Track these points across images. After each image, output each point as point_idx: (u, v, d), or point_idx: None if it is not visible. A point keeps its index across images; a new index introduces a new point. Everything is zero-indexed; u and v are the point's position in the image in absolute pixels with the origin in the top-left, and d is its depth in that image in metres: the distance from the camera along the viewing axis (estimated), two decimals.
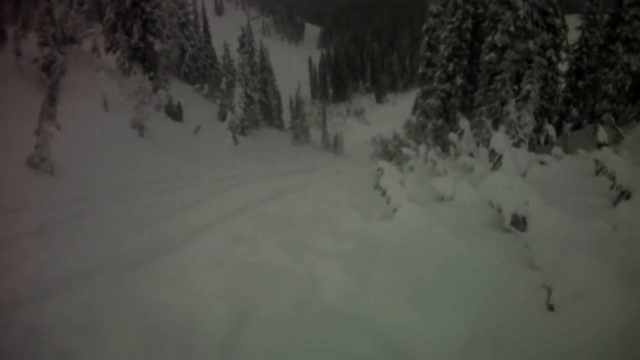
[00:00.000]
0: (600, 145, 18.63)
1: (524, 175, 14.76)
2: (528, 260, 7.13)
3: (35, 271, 7.38)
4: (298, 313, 6.31)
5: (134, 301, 6.65)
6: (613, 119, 29.72)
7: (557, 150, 19.44)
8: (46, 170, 12.56)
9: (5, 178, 11.47)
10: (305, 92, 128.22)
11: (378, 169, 17.93)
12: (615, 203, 10.37)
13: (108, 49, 34.56)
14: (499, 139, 16.59)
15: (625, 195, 10.40)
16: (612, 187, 11.15)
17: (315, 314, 6.28)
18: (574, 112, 36.05)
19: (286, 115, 72.09)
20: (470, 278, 6.90)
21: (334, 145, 72.36)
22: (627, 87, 32.60)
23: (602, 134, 19.35)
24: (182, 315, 6.33)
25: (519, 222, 8.99)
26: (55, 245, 8.76)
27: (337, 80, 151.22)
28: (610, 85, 32.78)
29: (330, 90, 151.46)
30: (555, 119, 35.33)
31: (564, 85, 37.34)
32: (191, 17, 69.61)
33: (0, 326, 5.65)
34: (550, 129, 26.96)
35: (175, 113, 32.23)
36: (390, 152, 39.94)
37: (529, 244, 7.51)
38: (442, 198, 12.61)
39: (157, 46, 33.76)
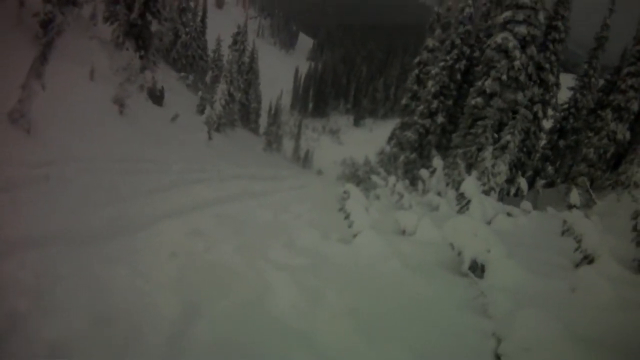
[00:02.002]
0: (570, 207, 18.83)
1: (489, 223, 14.96)
2: (481, 308, 7.20)
3: None
4: (245, 318, 6.36)
5: (87, 276, 6.65)
6: (588, 183, 30.03)
7: (526, 204, 19.70)
8: (23, 127, 12.53)
9: None
10: (286, 101, 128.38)
11: (345, 192, 18.09)
12: (577, 265, 10.55)
13: (106, 19, 34.50)
14: (470, 184, 16.74)
15: (588, 259, 10.50)
16: (576, 249, 11.18)
17: (262, 321, 6.34)
18: (550, 169, 36.20)
19: (263, 120, 71.97)
20: (420, 316, 6.97)
21: (304, 160, 72.65)
22: (608, 154, 33.08)
23: (575, 196, 19.59)
24: (132, 300, 6.36)
25: (477, 269, 9.05)
26: (17, 205, 8.77)
27: (319, 95, 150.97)
28: (592, 150, 33.27)
29: (311, 104, 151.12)
30: (530, 173, 35.45)
31: (544, 141, 37.73)
32: (191, 4, 69.58)
33: None
34: (522, 182, 27.27)
35: (156, 97, 32.28)
36: (359, 176, 40.17)
37: (485, 291, 7.59)
38: (404, 232, 12.83)
39: (154, 26, 33.72)
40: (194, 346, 5.54)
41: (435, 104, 38.37)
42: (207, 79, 48.91)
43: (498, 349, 5.86)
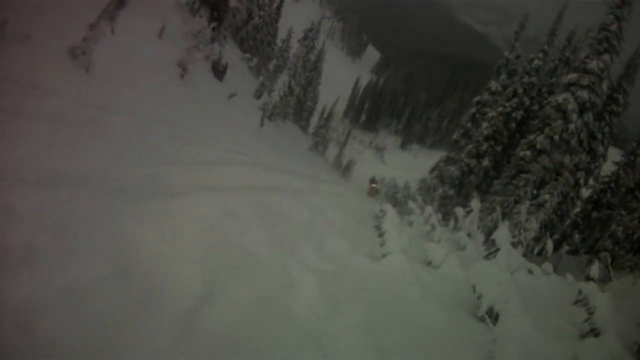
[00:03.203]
0: (589, 279, 18.57)
1: (511, 274, 14.66)
2: (489, 354, 7.18)
3: (31, 155, 7.22)
4: (263, 309, 6.26)
5: (114, 228, 6.43)
6: (609, 260, 29.59)
7: (548, 266, 19.33)
8: (83, 65, 12.33)
9: (44, 54, 11.22)
10: (340, 107, 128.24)
11: (381, 210, 17.82)
12: (582, 336, 10.52)
13: None
14: (502, 233, 16.57)
15: (594, 332, 10.46)
16: (586, 320, 11.17)
17: (278, 317, 6.26)
18: (577, 237, 35.81)
19: (313, 121, 71.83)
20: (431, 347, 6.93)
21: (345, 169, 72.12)
22: (635, 236, 32.52)
23: (595, 269, 19.23)
24: (156, 263, 6.16)
25: (492, 315, 8.99)
26: (59, 138, 8.57)
27: (373, 110, 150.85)
28: (621, 228, 32.58)
29: (363, 117, 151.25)
30: (557, 236, 35.03)
31: (578, 209, 37.26)
32: None
33: None
34: (549, 243, 26.72)
35: (219, 71, 32.09)
36: (397, 199, 39.75)
37: (496, 339, 7.51)
38: (430, 263, 12.64)
39: (232, 1, 33.57)
40: (206, 326, 5.40)
41: (484, 146, 37.98)
42: (271, 66, 48.75)
43: None
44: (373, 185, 43.20)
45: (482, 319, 8.87)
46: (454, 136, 44.70)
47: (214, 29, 24.25)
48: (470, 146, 38.75)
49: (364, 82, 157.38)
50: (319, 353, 5.75)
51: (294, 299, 6.86)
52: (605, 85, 31.28)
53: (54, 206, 6.07)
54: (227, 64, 33.17)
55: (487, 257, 16.78)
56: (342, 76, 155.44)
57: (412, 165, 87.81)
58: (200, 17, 24.54)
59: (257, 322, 5.85)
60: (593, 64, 30.37)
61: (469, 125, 42.76)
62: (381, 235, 13.36)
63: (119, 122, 11.61)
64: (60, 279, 4.86)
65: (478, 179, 38.27)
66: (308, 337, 6.00)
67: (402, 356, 6.36)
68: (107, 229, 6.32)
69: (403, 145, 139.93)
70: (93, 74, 12.58)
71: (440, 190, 39.18)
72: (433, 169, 45.67)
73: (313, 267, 8.52)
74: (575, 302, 13.90)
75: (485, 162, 37.79)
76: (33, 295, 4.54)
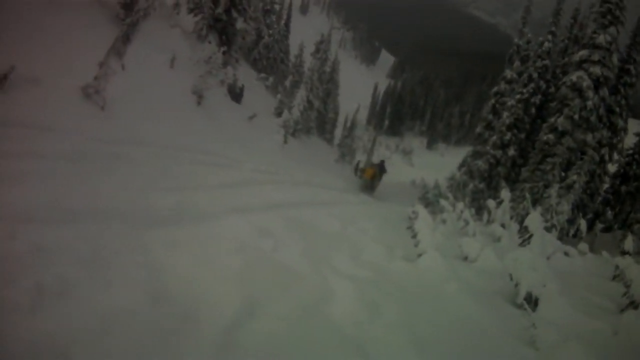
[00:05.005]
0: (624, 253, 18.35)
1: (547, 259, 14.58)
2: (530, 339, 7.20)
3: (56, 194, 7.22)
4: (303, 321, 6.23)
5: (146, 256, 6.50)
6: None
7: (584, 246, 19.19)
8: (98, 103, 12.39)
9: (56, 97, 11.25)
10: (362, 116, 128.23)
11: (413, 212, 17.78)
12: (622, 310, 10.42)
13: (190, 10, 34.46)
14: (534, 219, 16.44)
15: (633, 305, 10.45)
16: (624, 294, 11.10)
17: (319, 326, 6.22)
18: (609, 214, 35.48)
19: (338, 132, 71.81)
20: (472, 339, 6.92)
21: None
22: None
23: (629, 243, 18.97)
24: (191, 286, 6.19)
25: (531, 301, 9.02)
26: (82, 176, 8.64)
27: (396, 114, 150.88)
28: None
29: (386, 122, 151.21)
30: (590, 215, 34.71)
31: (607, 185, 36.92)
32: (276, 7, 69.84)
33: (6, 236, 5.48)
34: (582, 223, 26.55)
35: (235, 94, 32.18)
36: (428, 199, 39.54)
37: (536, 324, 7.53)
38: (466, 258, 12.66)
39: (239, 24, 33.76)
40: (247, 342, 5.37)
41: (508, 135, 37.76)
42: (287, 83, 48.92)
43: None
44: (369, 170, 35.25)
45: (520, 306, 8.89)
46: (477, 130, 44.45)
47: (224, 53, 24.33)
48: (494, 137, 38.59)
49: (382, 88, 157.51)
50: (360, 355, 5.73)
51: (332, 307, 6.85)
52: (615, 58, 31.40)
53: (84, 241, 6.13)
54: (243, 85, 33.25)
55: (521, 244, 16.81)
56: (360, 84, 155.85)
57: (440, 164, 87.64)
58: (209, 42, 24.69)
59: (296, 333, 5.82)
60: (601, 39, 30.54)
61: (490, 117, 42.53)
62: (414, 236, 13.37)
63: (141, 154, 11.68)
64: (96, 308, 4.90)
65: (506, 169, 38.13)
66: (348, 342, 5.98)
67: (440, 350, 6.34)
68: (140, 257, 6.37)
69: (429, 146, 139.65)
70: (109, 110, 12.61)
71: (470, 186, 38.93)
72: (461, 165, 45.59)
73: (349, 275, 8.48)
74: (613, 278, 14.01)
75: (511, 152, 37.64)
76: (70, 324, 4.56)
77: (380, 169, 36.09)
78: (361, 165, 39.46)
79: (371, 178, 34.24)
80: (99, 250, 6.10)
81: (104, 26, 17.20)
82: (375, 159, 67.67)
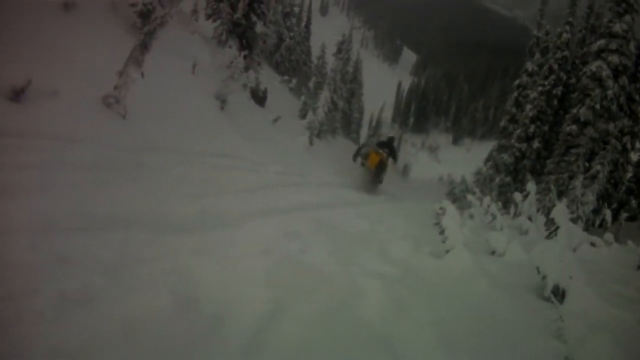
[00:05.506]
0: None
1: (574, 251, 14.48)
2: (557, 332, 7.14)
3: (79, 203, 7.25)
4: (332, 321, 6.20)
5: (172, 263, 6.52)
6: None
7: (609, 236, 19.09)
8: (119, 112, 12.36)
9: (76, 107, 11.22)
10: (387, 114, 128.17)
11: (441, 208, 17.74)
12: None
13: (209, 16, 34.51)
14: (560, 211, 16.33)
15: None
16: None
17: (348, 326, 6.19)
18: (633, 202, 35.26)
19: (363, 131, 71.84)
20: (500, 335, 6.86)
21: (402, 174, 71.77)
22: None
23: None
24: (219, 290, 6.19)
25: (559, 294, 8.90)
26: (105, 185, 8.63)
27: (420, 111, 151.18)
28: None
29: (411, 120, 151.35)
30: (614, 205, 34.47)
31: (630, 174, 36.70)
32: (296, 9, 69.86)
33: (28, 247, 5.51)
34: (607, 214, 26.47)
35: (259, 97, 32.20)
36: (455, 194, 39.42)
37: (563, 316, 7.48)
38: (494, 252, 12.64)
39: (259, 28, 33.74)
40: (276, 343, 5.36)
41: (532, 128, 37.77)
42: (311, 84, 48.94)
43: None
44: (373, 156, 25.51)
45: (548, 299, 8.82)
46: (502, 123, 44.41)
47: (245, 57, 24.25)
48: (519, 130, 38.60)
49: (405, 86, 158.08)
50: (389, 354, 5.69)
51: (361, 307, 6.80)
52: (632, 46, 31.35)
53: (108, 249, 6.18)
54: (266, 89, 33.30)
55: (548, 237, 16.66)
56: (383, 83, 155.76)
57: (466, 159, 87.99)
58: (230, 47, 24.59)
59: (325, 334, 5.79)
60: (617, 27, 30.50)
61: (513, 110, 42.46)
62: (442, 232, 13.43)
63: (165, 161, 11.72)
64: (121, 315, 4.90)
65: (531, 162, 38.13)
66: (377, 341, 5.92)
67: (469, 346, 6.27)
68: (165, 264, 6.38)
69: (455, 142, 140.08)
70: (131, 119, 12.59)
71: (497, 180, 38.91)
72: (487, 160, 45.38)
73: (378, 274, 8.41)
74: (638, 268, 14.03)
75: (536, 144, 37.62)
76: (94, 332, 4.58)
77: (390, 150, 26.93)
78: (365, 150, 27.67)
79: (376, 167, 25.05)
80: (124, 258, 6.13)
81: (121, 35, 17.17)
82: (403, 158, 67.08)
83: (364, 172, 25.34)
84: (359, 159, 26.29)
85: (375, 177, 25.21)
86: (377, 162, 25.00)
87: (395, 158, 28.04)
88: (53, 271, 5.26)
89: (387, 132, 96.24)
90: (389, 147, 27.10)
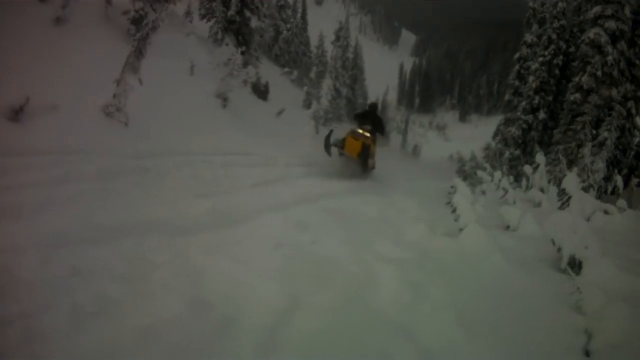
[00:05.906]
0: None
1: (588, 220, 14.57)
2: (575, 304, 7.02)
3: (86, 215, 7.32)
4: (348, 310, 6.14)
5: (185, 265, 6.53)
6: None
7: (622, 202, 18.98)
8: (120, 121, 12.41)
9: (77, 120, 11.26)
10: (392, 97, 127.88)
11: (452, 187, 17.62)
12: None
13: (203, 17, 34.70)
14: (571, 181, 16.47)
15: None
16: None
17: (364, 314, 6.12)
18: None
19: None
20: (518, 311, 6.78)
21: (412, 155, 71.62)
22: None
23: None
24: (232, 288, 6.19)
25: (575, 265, 8.80)
26: (113, 194, 8.70)
27: (425, 91, 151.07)
28: None
29: (417, 100, 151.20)
30: (625, 171, 34.31)
31: (638, 139, 36.58)
32: (290, 1, 69.68)
33: (40, 263, 5.56)
34: (619, 180, 26.35)
35: (261, 92, 32.16)
36: (466, 172, 39.32)
37: (580, 288, 7.30)
38: (507, 227, 12.55)
39: (254, 23, 33.67)
40: (293, 336, 5.35)
41: (536, 100, 37.75)
42: (312, 74, 48.78)
43: (588, 345, 5.79)
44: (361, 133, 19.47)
45: (565, 271, 8.65)
46: (506, 97, 44.33)
47: (243, 53, 24.22)
48: (524, 103, 38.61)
49: (408, 67, 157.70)
50: (407, 340, 5.60)
51: (377, 294, 6.75)
52: (628, 11, 31.12)
53: (120, 257, 6.22)
54: (267, 83, 33.23)
55: (560, 208, 16.81)
56: (385, 66, 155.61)
57: (475, 135, 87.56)
58: (227, 45, 24.55)
59: (342, 325, 5.73)
60: None
61: (517, 83, 42.32)
62: (454, 211, 13.00)
63: (171, 164, 11.75)
64: (137, 321, 4.93)
65: (539, 134, 38.12)
66: (394, 327, 5.84)
67: (487, 326, 6.17)
68: (178, 267, 6.40)
69: (462, 119, 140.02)
70: (133, 126, 12.65)
71: (507, 154, 38.79)
72: (495, 134, 45.33)
73: (391, 259, 8.32)
74: None
75: (542, 115, 37.65)
76: (110, 341, 4.60)
77: (374, 123, 20.55)
78: (338, 136, 20.79)
79: (359, 155, 19.14)
80: (136, 264, 6.17)
81: (116, 44, 17.06)
82: (412, 139, 66.04)
83: (345, 162, 19.98)
84: (335, 150, 20.09)
85: (362, 166, 19.60)
86: (359, 150, 19.03)
87: (382, 130, 21.34)
88: (66, 285, 5.29)
89: (393, 114, 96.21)
90: (373, 119, 20.77)
